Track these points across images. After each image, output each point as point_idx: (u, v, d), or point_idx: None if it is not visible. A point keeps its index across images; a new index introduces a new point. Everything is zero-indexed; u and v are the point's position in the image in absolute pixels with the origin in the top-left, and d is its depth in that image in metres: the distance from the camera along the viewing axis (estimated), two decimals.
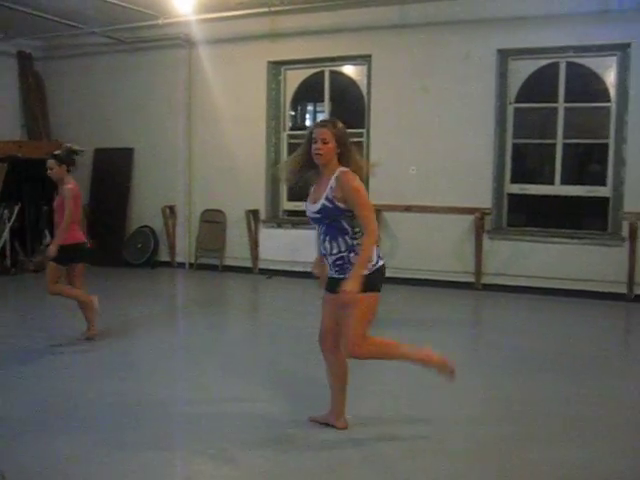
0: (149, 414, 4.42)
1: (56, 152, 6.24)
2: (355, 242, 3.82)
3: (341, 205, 3.79)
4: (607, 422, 4.38)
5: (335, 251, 3.84)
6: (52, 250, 5.91)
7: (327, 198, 3.81)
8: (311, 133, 3.90)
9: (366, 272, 3.74)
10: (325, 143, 3.81)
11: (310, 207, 3.94)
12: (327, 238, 3.86)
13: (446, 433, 4.11)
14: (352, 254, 3.80)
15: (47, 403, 4.61)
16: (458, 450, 3.87)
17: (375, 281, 3.81)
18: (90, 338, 6.18)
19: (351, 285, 3.65)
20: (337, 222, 3.83)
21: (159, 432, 4.12)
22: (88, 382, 5.13)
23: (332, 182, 3.82)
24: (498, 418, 4.44)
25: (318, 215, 3.87)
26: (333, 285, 3.88)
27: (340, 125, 3.88)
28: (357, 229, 3.83)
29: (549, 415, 4.48)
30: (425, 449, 3.87)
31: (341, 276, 3.82)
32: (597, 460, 3.76)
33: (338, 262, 3.85)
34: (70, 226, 5.98)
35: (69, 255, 6.01)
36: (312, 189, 4.00)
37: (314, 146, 3.83)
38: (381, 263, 3.87)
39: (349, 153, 3.90)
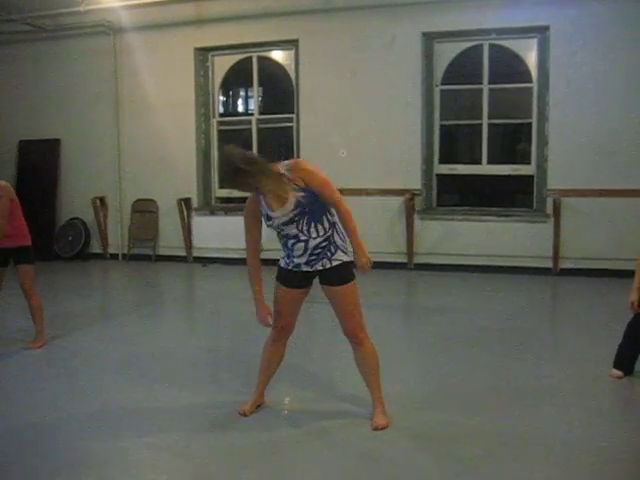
0: (87, 407, 4.38)
1: None
2: (334, 218, 3.79)
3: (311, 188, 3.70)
4: (540, 393, 4.54)
5: (321, 233, 3.73)
6: None
7: (296, 189, 3.67)
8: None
9: (347, 259, 3.79)
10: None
11: (279, 212, 3.70)
12: (312, 224, 3.73)
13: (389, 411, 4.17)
14: (335, 232, 3.77)
15: None
16: (403, 427, 3.92)
17: (352, 269, 3.85)
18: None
19: (365, 256, 3.73)
20: (317, 203, 3.71)
21: (99, 423, 4.07)
22: (21, 380, 5.05)
23: (286, 175, 3.65)
24: (435, 394, 4.53)
25: (296, 211, 3.67)
26: (306, 278, 3.85)
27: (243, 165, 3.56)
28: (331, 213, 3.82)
29: (485, 389, 4.59)
30: (366, 425, 3.91)
31: (317, 268, 3.77)
32: (533, 428, 3.90)
33: (322, 244, 3.74)
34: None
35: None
36: (261, 201, 3.76)
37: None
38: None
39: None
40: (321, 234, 3.74)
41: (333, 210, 3.78)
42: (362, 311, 3.91)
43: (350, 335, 3.91)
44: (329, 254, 3.77)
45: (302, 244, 3.76)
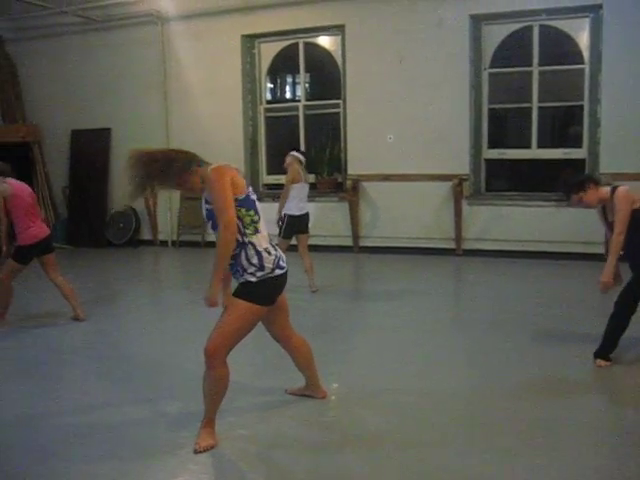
0: (133, 384, 4.48)
1: None
2: (247, 239, 3.46)
3: None
4: (586, 381, 4.49)
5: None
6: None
7: (206, 200, 3.54)
8: None
9: (254, 279, 3.46)
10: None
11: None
12: None
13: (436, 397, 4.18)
14: (243, 253, 3.46)
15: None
16: (447, 410, 3.94)
17: (258, 292, 3.49)
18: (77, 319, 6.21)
19: (208, 292, 3.46)
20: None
21: (144, 411, 4.17)
22: (76, 354, 5.18)
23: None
24: (481, 382, 4.52)
25: (208, 223, 3.64)
26: None
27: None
28: (246, 225, 3.47)
29: (532, 375, 4.56)
30: (415, 417, 3.90)
31: (234, 280, 3.60)
32: (562, 415, 3.87)
33: (230, 262, 3.51)
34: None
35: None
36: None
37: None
38: (277, 273, 3.53)
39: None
40: None
41: (247, 230, 3.47)
42: (235, 342, 3.52)
43: (205, 348, 3.49)
44: (237, 275, 3.53)
45: None
